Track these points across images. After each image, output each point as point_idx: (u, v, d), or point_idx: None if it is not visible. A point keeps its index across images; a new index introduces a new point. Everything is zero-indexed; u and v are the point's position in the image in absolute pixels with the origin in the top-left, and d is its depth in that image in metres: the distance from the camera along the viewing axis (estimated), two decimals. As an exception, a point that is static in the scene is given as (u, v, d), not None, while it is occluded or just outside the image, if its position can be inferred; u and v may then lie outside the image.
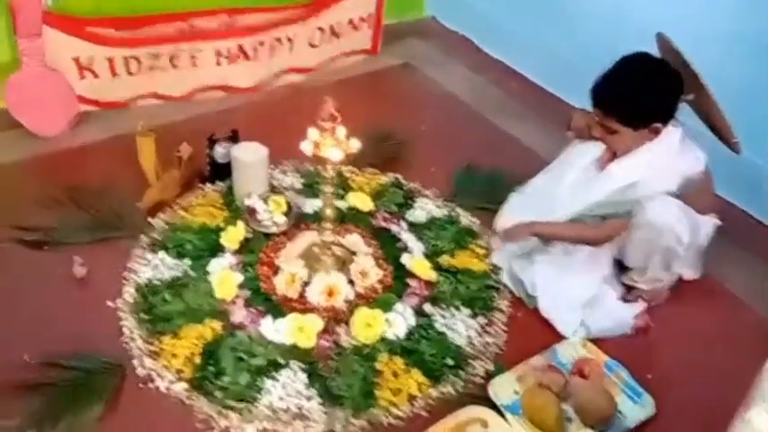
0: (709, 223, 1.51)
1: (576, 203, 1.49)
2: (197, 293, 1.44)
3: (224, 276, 1.47)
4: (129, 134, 1.73)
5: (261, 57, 2.12)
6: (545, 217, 1.51)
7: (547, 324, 1.47)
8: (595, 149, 1.51)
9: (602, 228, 1.47)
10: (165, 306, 1.41)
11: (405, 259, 1.58)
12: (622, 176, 1.43)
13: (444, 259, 1.60)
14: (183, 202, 1.69)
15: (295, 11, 2.18)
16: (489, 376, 1.34)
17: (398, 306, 1.45)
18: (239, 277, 1.47)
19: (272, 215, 1.62)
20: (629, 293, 1.53)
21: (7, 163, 1.77)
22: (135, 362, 1.30)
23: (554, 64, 2.28)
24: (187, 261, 1.52)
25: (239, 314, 1.41)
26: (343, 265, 1.53)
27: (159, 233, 1.59)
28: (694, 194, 1.42)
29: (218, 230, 1.59)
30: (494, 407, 1.27)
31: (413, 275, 1.54)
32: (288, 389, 1.28)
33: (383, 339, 1.38)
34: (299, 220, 1.66)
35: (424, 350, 1.38)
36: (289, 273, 1.47)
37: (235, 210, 1.67)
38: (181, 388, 1.27)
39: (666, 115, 1.40)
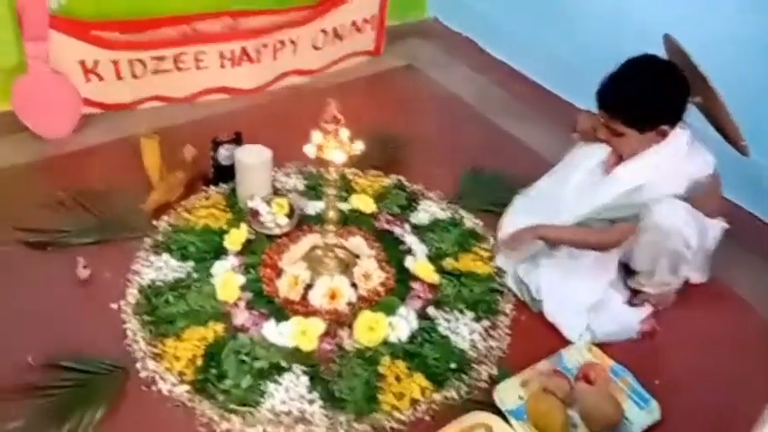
0: (716, 226, 1.49)
1: (582, 206, 1.47)
2: (200, 295, 1.44)
3: (227, 278, 1.47)
4: (134, 136, 1.74)
5: (264, 59, 2.13)
6: (550, 220, 1.50)
7: (551, 328, 1.45)
8: (601, 152, 1.49)
9: (609, 232, 1.44)
10: (168, 308, 1.40)
11: (408, 262, 1.57)
12: (629, 179, 1.42)
13: (448, 262, 1.59)
14: (187, 204, 1.69)
15: (298, 13, 2.18)
16: (493, 380, 1.33)
17: (401, 309, 1.44)
18: (242, 279, 1.47)
19: (275, 217, 1.61)
20: (635, 297, 1.52)
21: (13, 165, 1.77)
22: (138, 364, 1.30)
23: (555, 64, 2.27)
24: (190, 263, 1.52)
25: (242, 316, 1.41)
26: (345, 267, 1.52)
27: (163, 235, 1.59)
28: (702, 198, 1.40)
29: (221, 232, 1.59)
30: (498, 412, 1.25)
31: (416, 278, 1.53)
32: (290, 392, 1.27)
33: (386, 343, 1.38)
34: (302, 223, 1.65)
35: (427, 354, 1.37)
36: (291, 275, 1.47)
37: (238, 212, 1.67)
38: (183, 391, 1.26)
39: (674, 118, 1.38)
